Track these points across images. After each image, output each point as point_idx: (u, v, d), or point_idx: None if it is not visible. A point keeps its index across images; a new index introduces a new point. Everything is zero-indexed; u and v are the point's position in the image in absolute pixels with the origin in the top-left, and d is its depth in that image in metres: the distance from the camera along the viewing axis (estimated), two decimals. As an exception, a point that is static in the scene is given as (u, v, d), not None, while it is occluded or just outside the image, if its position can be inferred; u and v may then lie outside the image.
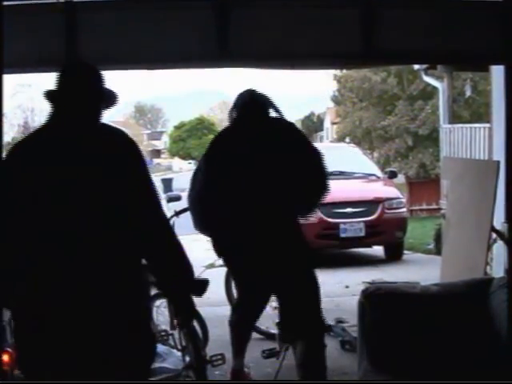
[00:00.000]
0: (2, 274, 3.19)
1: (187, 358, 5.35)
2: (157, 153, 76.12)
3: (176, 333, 5.59)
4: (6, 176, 3.26)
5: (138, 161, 3.34)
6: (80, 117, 3.34)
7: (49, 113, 3.42)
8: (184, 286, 3.48)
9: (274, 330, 6.62)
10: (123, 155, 3.32)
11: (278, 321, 6.13)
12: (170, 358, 5.96)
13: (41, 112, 49.69)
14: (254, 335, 6.33)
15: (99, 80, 3.48)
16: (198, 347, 5.21)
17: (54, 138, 3.29)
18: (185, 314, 3.75)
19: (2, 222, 3.20)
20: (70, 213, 3.16)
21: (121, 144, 3.36)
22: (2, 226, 3.20)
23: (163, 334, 5.59)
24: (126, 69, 7.51)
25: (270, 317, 7.04)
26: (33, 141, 3.35)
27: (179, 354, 5.68)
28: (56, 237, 3.15)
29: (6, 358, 5.22)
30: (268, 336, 7.03)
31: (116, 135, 3.40)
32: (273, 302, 6.66)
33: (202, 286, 4.32)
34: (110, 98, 3.52)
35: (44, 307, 3.14)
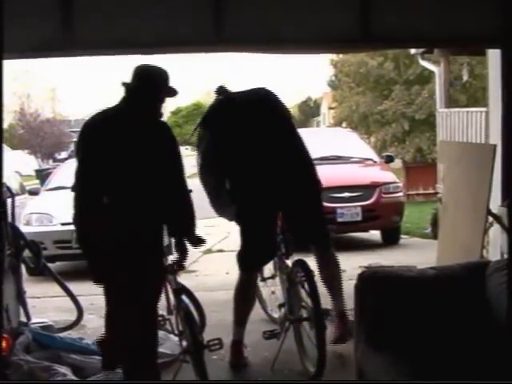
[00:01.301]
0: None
1: (184, 343, 5.36)
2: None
3: (173, 318, 5.60)
4: (89, 138, 4.72)
5: (176, 143, 4.94)
6: (145, 107, 4.78)
7: (122, 97, 4.81)
8: (189, 232, 4.98)
9: (276, 314, 6.68)
10: (170, 138, 4.90)
11: (279, 303, 6.33)
12: (167, 342, 5.99)
13: (36, 98, 49.62)
14: (252, 318, 6.34)
15: (166, 80, 4.85)
16: (195, 332, 5.21)
17: (125, 118, 4.74)
18: (182, 254, 5.05)
19: (87, 171, 4.64)
20: (133, 171, 4.64)
21: (167, 130, 4.94)
22: (87, 173, 4.64)
23: (160, 318, 5.59)
24: (121, 54, 7.47)
25: (269, 301, 7.10)
26: (109, 114, 4.82)
27: (176, 338, 5.71)
28: (124, 185, 4.65)
29: (4, 344, 5.25)
30: (270, 319, 7.09)
31: (164, 124, 5.02)
32: (271, 287, 6.75)
33: (199, 240, 5.13)
34: (171, 93, 4.89)
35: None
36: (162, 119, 5.16)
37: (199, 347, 5.17)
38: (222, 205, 6.16)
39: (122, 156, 4.69)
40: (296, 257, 6.08)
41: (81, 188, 4.69)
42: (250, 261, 6.07)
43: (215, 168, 5.96)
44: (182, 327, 5.41)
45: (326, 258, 6.16)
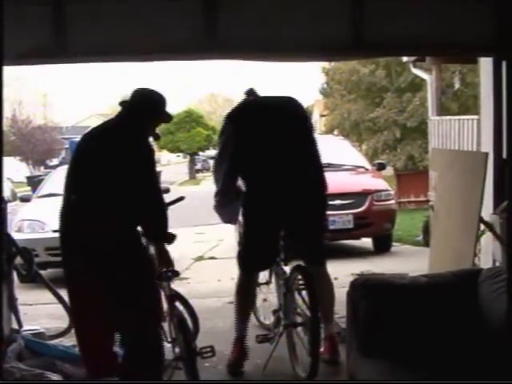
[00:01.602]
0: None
1: (177, 350, 5.36)
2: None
3: (166, 325, 5.59)
4: (82, 148, 5.09)
5: (152, 157, 5.07)
6: (132, 127, 5.02)
7: (118, 112, 5.13)
8: (162, 234, 5.08)
9: (269, 321, 6.70)
10: (145, 153, 5.01)
11: (274, 309, 6.39)
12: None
13: (28, 105, 49.58)
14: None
15: (162, 106, 5.11)
16: (188, 339, 5.23)
17: (114, 133, 5.06)
18: (166, 260, 5.23)
19: (74, 175, 5.06)
20: (105, 178, 4.92)
21: (148, 147, 5.06)
22: (74, 177, 5.06)
23: None
24: (113, 61, 7.47)
25: (262, 308, 7.10)
26: (100, 130, 5.17)
27: (169, 345, 5.70)
28: (94, 189, 4.95)
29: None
30: (262, 326, 7.09)
31: (150, 148, 5.09)
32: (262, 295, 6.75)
33: (172, 237, 5.16)
34: (166, 118, 5.20)
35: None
36: (153, 142, 5.46)
37: (192, 354, 5.18)
38: (224, 204, 6.21)
39: (100, 165, 4.99)
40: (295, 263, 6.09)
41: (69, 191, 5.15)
42: (251, 262, 6.13)
43: (230, 163, 6.00)
44: (175, 334, 5.39)
45: (320, 277, 6.09)
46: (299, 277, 5.86)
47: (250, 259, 6.11)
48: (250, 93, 6.31)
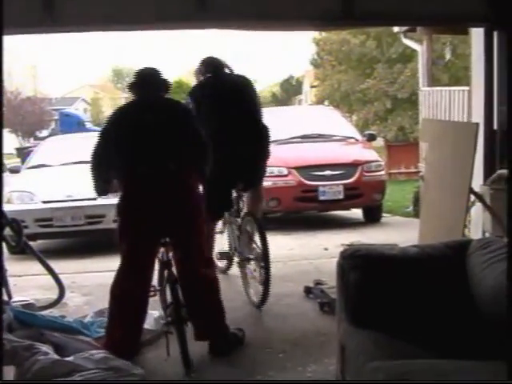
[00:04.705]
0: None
1: (170, 315, 5.60)
2: (135, 116, 75.74)
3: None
4: (114, 123, 5.73)
5: (189, 113, 6.07)
6: (153, 95, 5.79)
7: (131, 95, 5.88)
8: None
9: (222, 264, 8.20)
10: (179, 111, 5.94)
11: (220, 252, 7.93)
12: (148, 319, 6.00)
13: (17, 76, 49.26)
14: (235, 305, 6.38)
15: (160, 76, 5.85)
16: (178, 305, 5.53)
17: (139, 106, 5.79)
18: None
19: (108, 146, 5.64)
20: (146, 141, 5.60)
21: (177, 106, 6.05)
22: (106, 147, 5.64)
23: (151, 289, 5.71)
24: (103, 30, 7.44)
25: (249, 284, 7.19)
26: (128, 107, 5.91)
27: (156, 315, 6.05)
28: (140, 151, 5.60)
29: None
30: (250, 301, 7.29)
31: (173, 101, 6.11)
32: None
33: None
34: (167, 84, 5.92)
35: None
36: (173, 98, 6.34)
37: (181, 319, 5.50)
38: None
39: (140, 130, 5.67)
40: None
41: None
42: (213, 212, 7.23)
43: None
44: (170, 299, 5.61)
45: (257, 192, 7.69)
46: (251, 220, 7.22)
47: (213, 209, 7.08)
48: (209, 63, 7.50)
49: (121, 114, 5.82)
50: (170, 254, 5.66)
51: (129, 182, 5.62)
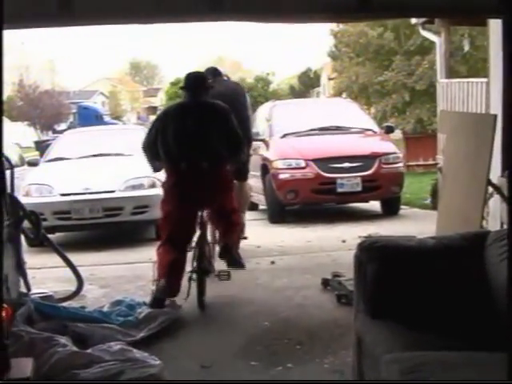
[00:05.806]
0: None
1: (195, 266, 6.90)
2: (153, 109, 75.77)
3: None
4: (166, 120, 6.98)
5: (228, 113, 7.06)
6: (199, 97, 7.03)
7: (183, 96, 7.34)
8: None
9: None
10: (219, 113, 7.03)
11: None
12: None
13: (35, 70, 49.41)
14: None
15: (205, 80, 7.28)
16: (202, 259, 6.91)
17: (188, 106, 7.06)
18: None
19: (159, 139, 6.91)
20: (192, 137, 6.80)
21: (217, 106, 7.09)
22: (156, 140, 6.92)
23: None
24: (119, 23, 7.43)
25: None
26: (179, 105, 7.25)
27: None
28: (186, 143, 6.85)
29: (4, 314, 5.24)
30: None
31: (215, 104, 7.10)
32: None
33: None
34: (209, 88, 7.23)
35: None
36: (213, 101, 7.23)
37: (202, 269, 6.90)
38: None
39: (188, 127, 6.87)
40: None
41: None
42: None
43: None
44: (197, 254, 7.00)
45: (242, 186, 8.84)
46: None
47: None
48: (211, 71, 8.70)
49: (169, 115, 7.03)
50: (205, 216, 7.10)
51: (173, 172, 6.90)
